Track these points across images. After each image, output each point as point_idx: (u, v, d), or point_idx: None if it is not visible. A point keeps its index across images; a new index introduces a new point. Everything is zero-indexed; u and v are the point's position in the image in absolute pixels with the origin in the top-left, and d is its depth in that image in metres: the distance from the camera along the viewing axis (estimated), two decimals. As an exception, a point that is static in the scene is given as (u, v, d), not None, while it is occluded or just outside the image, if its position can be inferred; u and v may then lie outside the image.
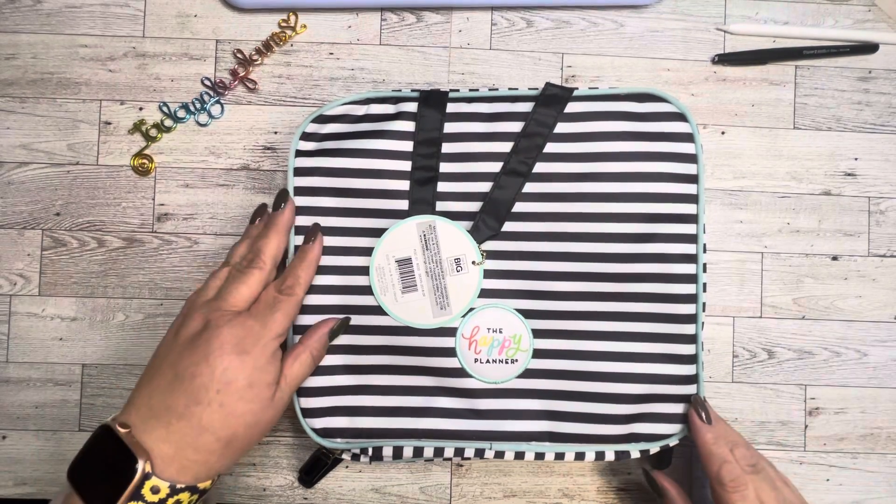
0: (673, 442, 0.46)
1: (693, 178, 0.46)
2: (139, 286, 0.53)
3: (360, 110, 0.47)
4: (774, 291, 0.54)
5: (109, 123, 0.53)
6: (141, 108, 0.53)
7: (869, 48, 0.54)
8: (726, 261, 0.54)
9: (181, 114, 0.53)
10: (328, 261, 0.46)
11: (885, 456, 0.53)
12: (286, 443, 0.52)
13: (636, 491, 0.53)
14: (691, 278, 0.46)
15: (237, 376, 0.37)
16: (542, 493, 0.52)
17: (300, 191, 0.46)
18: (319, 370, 0.46)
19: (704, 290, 0.46)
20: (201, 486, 0.37)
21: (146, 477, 0.34)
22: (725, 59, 0.54)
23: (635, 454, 0.46)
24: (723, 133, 0.54)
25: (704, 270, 0.46)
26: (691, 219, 0.46)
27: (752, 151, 0.54)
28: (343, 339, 0.47)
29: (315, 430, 0.46)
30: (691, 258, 0.46)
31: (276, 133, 0.53)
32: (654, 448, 0.46)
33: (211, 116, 0.53)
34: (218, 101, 0.53)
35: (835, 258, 0.54)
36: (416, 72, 0.54)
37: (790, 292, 0.54)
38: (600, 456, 0.46)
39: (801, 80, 0.54)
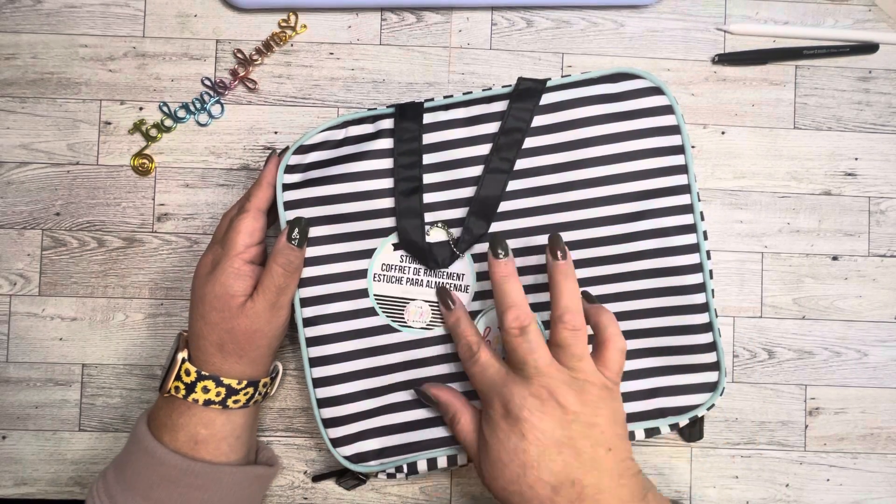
0: (701, 412, 0.46)
1: (679, 149, 0.46)
2: (139, 286, 0.53)
3: (340, 134, 0.47)
4: (774, 291, 0.54)
5: (109, 123, 0.53)
6: (141, 108, 0.53)
7: (869, 48, 0.54)
8: (726, 261, 0.54)
9: (181, 114, 0.53)
10: (330, 288, 0.46)
11: (886, 456, 0.53)
12: (286, 443, 0.52)
13: (636, 491, 0.53)
14: (693, 248, 0.45)
15: (207, 291, 0.44)
16: (543, 493, 0.52)
17: (290, 222, 0.46)
18: (342, 399, 0.47)
19: (709, 258, 0.46)
20: (225, 379, 0.44)
21: (183, 361, 0.45)
22: (725, 58, 0.54)
23: (665, 430, 0.47)
24: (723, 133, 0.54)
25: (706, 238, 0.46)
26: (684, 189, 0.45)
27: (753, 151, 0.54)
28: (360, 363, 0.47)
29: (347, 458, 0.47)
30: (690, 228, 0.45)
31: (276, 133, 0.53)
32: (682, 420, 0.46)
33: (211, 116, 0.53)
34: (218, 101, 0.53)
35: (835, 258, 0.54)
36: (416, 72, 0.54)
37: (790, 292, 0.54)
38: (630, 436, 0.46)
39: (801, 80, 0.54)
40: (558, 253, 0.42)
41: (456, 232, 0.46)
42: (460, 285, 0.47)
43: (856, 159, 0.54)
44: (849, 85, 0.54)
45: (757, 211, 0.54)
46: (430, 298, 0.47)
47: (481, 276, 0.47)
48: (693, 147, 0.54)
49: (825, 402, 0.53)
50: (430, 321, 0.47)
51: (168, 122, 0.53)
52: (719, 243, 0.54)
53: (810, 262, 0.54)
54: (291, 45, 0.54)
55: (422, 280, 0.47)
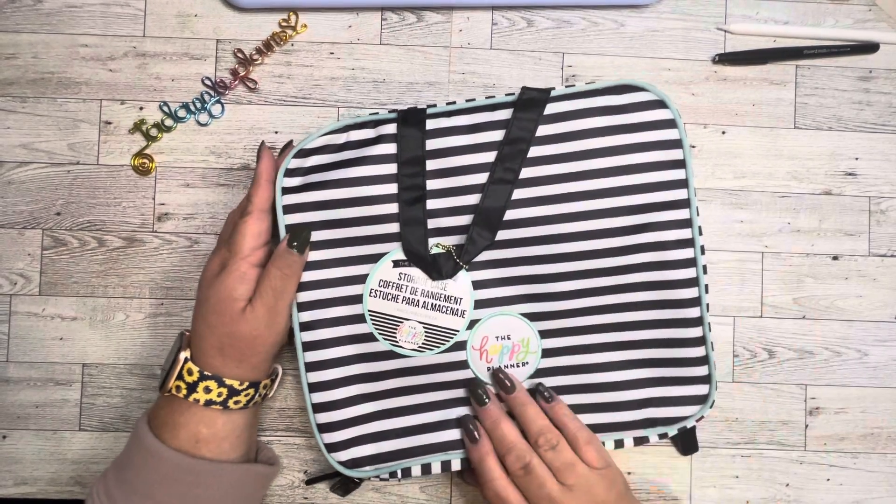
0: (690, 423, 0.47)
1: (680, 164, 0.46)
2: (139, 286, 0.53)
3: (341, 139, 0.46)
4: (775, 291, 0.54)
5: (110, 123, 0.53)
6: (141, 108, 0.53)
7: (869, 48, 0.54)
8: (726, 261, 0.54)
9: (182, 113, 0.53)
10: (329, 293, 0.46)
11: (886, 456, 0.53)
12: (286, 443, 0.52)
13: (636, 492, 0.53)
14: (690, 262, 0.46)
15: (211, 294, 0.45)
16: (543, 492, 0.52)
17: (292, 228, 0.46)
18: (338, 403, 0.47)
19: (705, 272, 0.46)
20: (227, 380, 0.44)
21: (186, 361, 0.45)
22: (726, 58, 0.54)
23: (654, 438, 0.47)
24: (723, 133, 0.54)
25: (703, 252, 0.46)
26: (683, 203, 0.46)
27: (753, 151, 0.54)
28: (357, 368, 0.47)
29: (342, 463, 0.47)
30: (688, 242, 0.46)
31: (276, 133, 0.53)
32: (671, 431, 0.47)
33: (211, 116, 0.53)
34: (218, 101, 0.53)
35: (835, 258, 0.54)
36: (417, 72, 0.54)
37: (791, 292, 0.54)
38: (619, 444, 0.47)
39: (801, 80, 0.54)
40: (507, 385, 0.46)
41: (459, 240, 0.46)
42: (457, 309, 0.47)
43: (856, 159, 0.54)
44: (849, 85, 0.54)
45: (757, 211, 0.54)
46: (424, 320, 0.47)
47: (479, 304, 0.47)
48: (693, 147, 0.54)
49: (825, 402, 0.53)
50: (423, 343, 0.47)
51: (168, 122, 0.53)
52: (719, 243, 0.54)
53: (810, 261, 0.54)
54: (292, 45, 0.54)
55: (418, 300, 0.47)
